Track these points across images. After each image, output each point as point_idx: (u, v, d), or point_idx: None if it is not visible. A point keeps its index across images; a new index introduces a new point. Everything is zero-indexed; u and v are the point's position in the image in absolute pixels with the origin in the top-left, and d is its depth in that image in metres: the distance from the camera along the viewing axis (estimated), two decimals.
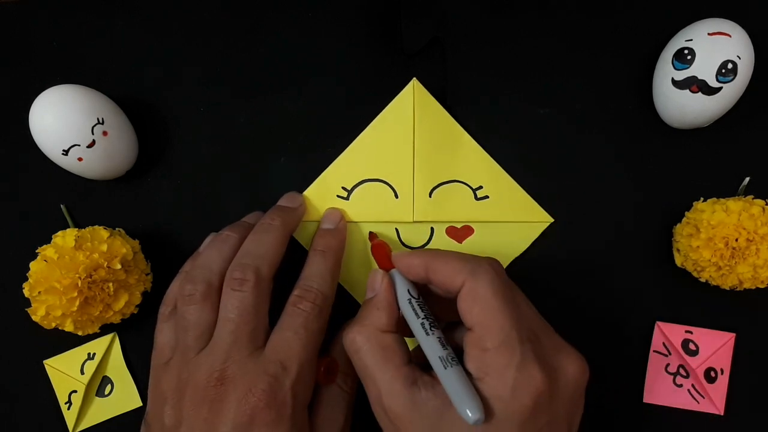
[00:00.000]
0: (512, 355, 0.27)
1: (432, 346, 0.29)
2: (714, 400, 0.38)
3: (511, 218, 0.38)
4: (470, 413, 0.26)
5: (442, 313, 0.32)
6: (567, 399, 0.29)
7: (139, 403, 0.39)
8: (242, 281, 0.32)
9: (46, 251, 0.34)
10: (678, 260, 0.37)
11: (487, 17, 0.39)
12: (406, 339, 0.31)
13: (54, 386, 0.39)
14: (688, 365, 0.38)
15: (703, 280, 0.36)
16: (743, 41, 0.34)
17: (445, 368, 0.28)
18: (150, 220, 0.39)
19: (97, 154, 0.35)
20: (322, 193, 0.38)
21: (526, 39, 0.39)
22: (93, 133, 0.35)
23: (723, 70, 0.34)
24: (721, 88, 0.34)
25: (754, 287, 0.35)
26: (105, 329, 0.38)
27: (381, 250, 0.35)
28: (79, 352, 0.39)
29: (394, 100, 0.38)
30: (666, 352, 0.38)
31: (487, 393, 0.27)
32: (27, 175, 0.39)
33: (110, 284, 0.35)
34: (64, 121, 0.34)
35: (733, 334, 0.38)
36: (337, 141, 0.38)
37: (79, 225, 0.39)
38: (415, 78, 0.37)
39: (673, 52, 0.35)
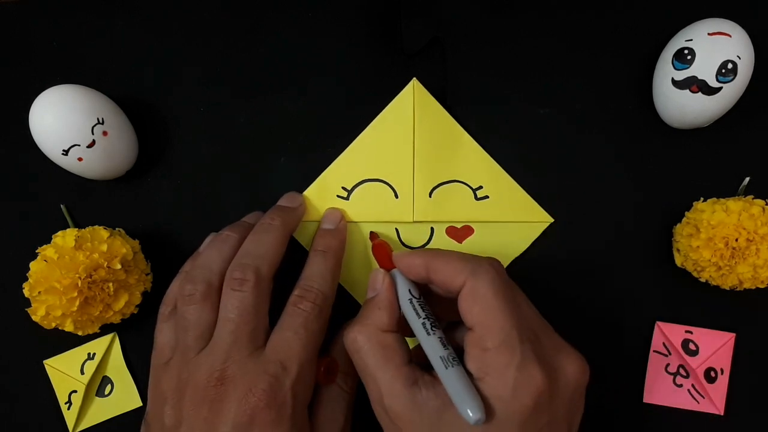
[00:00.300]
0: (513, 354, 0.27)
1: (433, 346, 0.29)
2: (714, 400, 0.38)
3: (511, 218, 0.38)
4: (471, 413, 0.26)
5: (443, 313, 0.32)
6: (567, 399, 0.29)
7: (139, 403, 0.39)
8: (242, 281, 0.32)
9: (46, 251, 0.34)
10: (678, 260, 0.37)
11: (487, 17, 0.39)
12: (406, 338, 0.31)
13: (54, 386, 0.39)
14: (688, 365, 0.38)
15: (703, 280, 0.36)
16: (743, 41, 0.34)
17: (447, 368, 0.28)
18: (150, 220, 0.39)
19: (97, 154, 0.35)
20: (322, 193, 0.38)
21: (526, 39, 0.39)
22: (93, 133, 0.35)
23: (723, 70, 0.34)
24: (721, 88, 0.34)
25: (754, 287, 0.35)
26: (105, 329, 0.38)
27: (382, 250, 0.35)
28: (79, 352, 0.39)
29: (394, 100, 0.38)
30: (666, 352, 0.38)
31: (488, 393, 0.27)
32: (27, 175, 0.39)
33: (110, 284, 0.35)
34: (64, 121, 0.34)
35: (733, 334, 0.38)
36: (337, 141, 0.38)
37: (79, 225, 0.39)
38: (415, 78, 0.37)
39: (673, 52, 0.35)
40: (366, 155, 0.38)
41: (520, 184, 0.38)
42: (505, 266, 0.36)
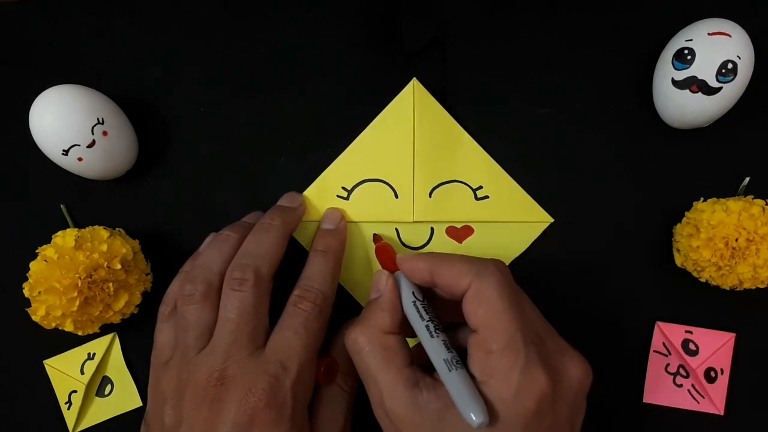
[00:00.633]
0: (517, 357, 0.27)
1: (436, 349, 0.29)
2: (714, 400, 0.38)
3: (511, 218, 0.38)
4: (474, 417, 0.26)
5: (444, 315, 0.32)
6: (570, 402, 0.29)
7: (139, 403, 0.39)
8: (242, 281, 0.32)
9: (46, 251, 0.34)
10: (678, 260, 0.37)
11: (487, 17, 0.39)
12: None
13: (54, 386, 0.39)
14: (688, 365, 0.38)
15: (703, 280, 0.36)
16: (743, 41, 0.34)
17: (450, 371, 0.28)
18: (150, 220, 0.39)
19: (97, 154, 0.35)
20: (322, 193, 0.38)
21: (526, 39, 0.39)
22: (93, 133, 0.35)
23: (723, 70, 0.34)
24: (721, 88, 0.34)
25: (754, 287, 0.35)
26: (105, 329, 0.38)
27: (385, 252, 0.35)
28: (79, 352, 0.39)
29: (394, 100, 0.38)
30: (666, 352, 0.38)
31: (491, 395, 0.27)
32: (27, 175, 0.39)
33: (110, 284, 0.35)
34: (64, 121, 0.34)
35: (733, 334, 0.38)
36: (337, 141, 0.38)
37: (79, 225, 0.39)
38: (415, 78, 0.37)
39: (673, 52, 0.35)
40: (366, 155, 0.38)
41: (520, 184, 0.38)
42: None
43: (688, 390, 0.38)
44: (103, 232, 0.35)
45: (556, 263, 0.38)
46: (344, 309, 0.36)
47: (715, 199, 0.36)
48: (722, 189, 0.37)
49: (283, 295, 0.33)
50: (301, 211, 0.37)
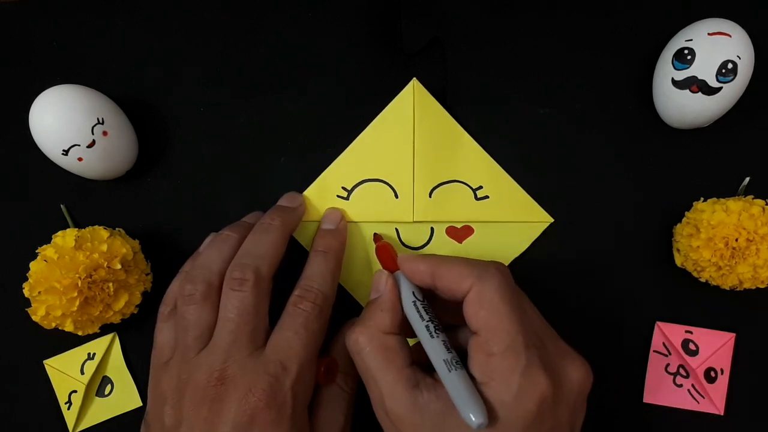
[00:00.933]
0: (517, 360, 0.27)
1: (436, 349, 0.29)
2: (714, 400, 0.38)
3: (511, 218, 0.38)
4: (474, 417, 0.26)
5: (445, 317, 0.32)
6: (570, 404, 0.29)
7: (139, 403, 0.39)
8: (242, 281, 0.31)
9: (46, 251, 0.34)
10: (678, 260, 0.37)
11: (487, 17, 0.39)
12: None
13: (54, 386, 0.39)
14: (688, 365, 0.38)
15: (703, 280, 0.36)
16: (743, 41, 0.34)
17: (450, 371, 0.28)
18: (150, 220, 0.39)
19: (97, 154, 0.35)
20: (322, 193, 0.38)
21: (526, 39, 0.39)
22: (93, 133, 0.35)
23: (723, 70, 0.34)
24: (721, 88, 0.34)
25: (754, 287, 0.35)
26: (105, 329, 0.38)
27: (386, 252, 0.35)
28: (79, 352, 0.39)
29: (394, 100, 0.38)
30: (666, 352, 0.38)
31: (491, 398, 0.27)
32: (27, 175, 0.39)
33: (110, 284, 0.35)
34: (64, 121, 0.34)
35: (733, 334, 0.38)
36: (337, 141, 0.38)
37: (79, 225, 0.39)
38: (415, 78, 0.37)
39: (673, 52, 0.35)
40: (366, 155, 0.38)
41: (520, 184, 0.38)
42: None
43: (688, 390, 0.38)
44: (103, 232, 0.35)
45: (556, 263, 0.38)
46: (344, 309, 0.36)
47: (715, 199, 0.36)
48: (722, 189, 0.37)
49: (283, 295, 0.33)
50: (301, 211, 0.37)
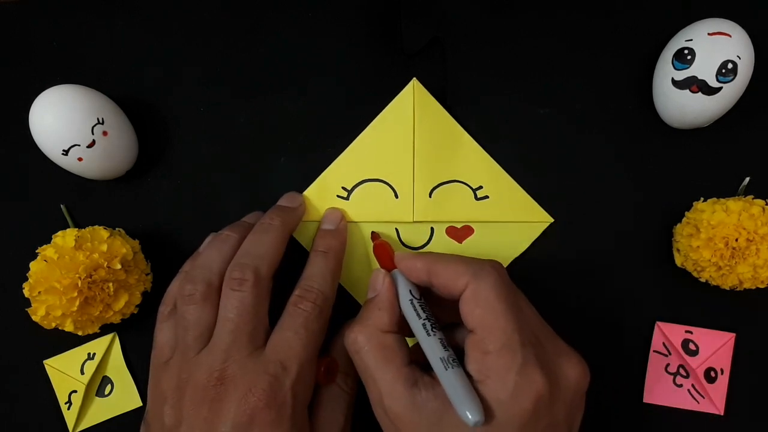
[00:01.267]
0: (513, 358, 0.27)
1: (433, 347, 0.29)
2: (714, 400, 0.38)
3: (511, 218, 0.38)
4: (470, 415, 0.26)
5: (442, 315, 0.32)
6: (567, 403, 0.29)
7: (139, 403, 0.39)
8: (241, 281, 0.32)
9: (46, 251, 0.34)
10: (678, 260, 0.37)
11: (487, 17, 0.39)
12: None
13: (54, 386, 0.39)
14: (688, 365, 0.38)
15: (703, 280, 0.36)
16: (743, 41, 0.34)
17: (446, 369, 0.28)
18: (150, 220, 0.39)
19: (97, 154, 0.35)
20: (322, 193, 0.38)
21: (526, 39, 0.39)
22: (93, 133, 0.35)
23: (723, 70, 0.34)
24: (721, 88, 0.34)
25: (754, 287, 0.35)
26: (105, 329, 0.38)
27: (383, 250, 0.35)
28: (79, 352, 0.39)
29: (394, 100, 0.38)
30: (666, 352, 0.38)
31: (488, 395, 0.27)
32: (27, 175, 0.39)
33: (110, 284, 0.35)
34: (64, 121, 0.34)
35: (733, 334, 0.38)
36: (337, 141, 0.38)
37: (79, 225, 0.39)
38: (415, 78, 0.37)
39: (673, 52, 0.35)
40: (366, 155, 0.38)
41: (520, 184, 0.38)
42: (505, 266, 0.37)
43: (688, 390, 0.38)
44: (103, 232, 0.35)
45: (556, 263, 0.38)
46: (344, 309, 0.36)
47: (715, 199, 0.36)
48: (722, 189, 0.37)
49: (283, 295, 0.33)
50: (301, 211, 0.37)
